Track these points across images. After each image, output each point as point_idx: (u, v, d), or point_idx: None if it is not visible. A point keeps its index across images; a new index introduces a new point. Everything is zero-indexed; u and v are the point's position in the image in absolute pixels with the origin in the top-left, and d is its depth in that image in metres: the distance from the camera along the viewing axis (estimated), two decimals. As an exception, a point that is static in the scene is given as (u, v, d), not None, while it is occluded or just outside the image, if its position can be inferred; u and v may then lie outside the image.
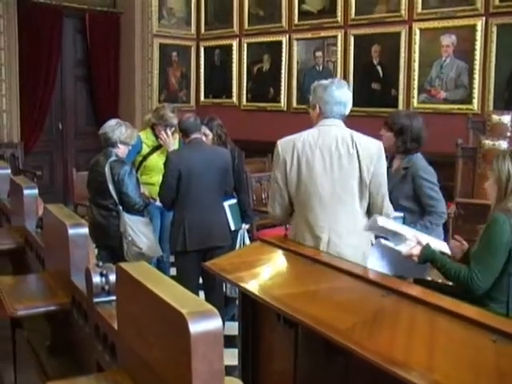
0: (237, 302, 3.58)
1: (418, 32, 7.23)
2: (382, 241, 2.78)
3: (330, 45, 8.09)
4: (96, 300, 1.62)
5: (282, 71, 8.54)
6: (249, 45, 8.97)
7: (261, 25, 8.78)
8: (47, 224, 2.14)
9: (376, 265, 2.73)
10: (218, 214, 4.23)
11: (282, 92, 8.57)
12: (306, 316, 2.33)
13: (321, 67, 8.23)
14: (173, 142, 4.90)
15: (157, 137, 4.90)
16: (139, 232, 4.15)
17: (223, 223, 4.27)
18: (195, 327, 1.04)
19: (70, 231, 1.81)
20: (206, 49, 9.58)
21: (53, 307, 1.86)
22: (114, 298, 1.63)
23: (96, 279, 1.61)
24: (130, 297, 1.36)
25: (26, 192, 2.57)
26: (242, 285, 3.02)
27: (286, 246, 3.22)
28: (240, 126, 8.24)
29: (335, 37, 7.98)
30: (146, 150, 4.89)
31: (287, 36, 8.49)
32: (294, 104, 8.47)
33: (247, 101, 9.09)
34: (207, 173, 4.13)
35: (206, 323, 1.05)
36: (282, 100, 8.57)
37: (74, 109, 9.10)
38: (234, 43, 9.14)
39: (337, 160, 2.90)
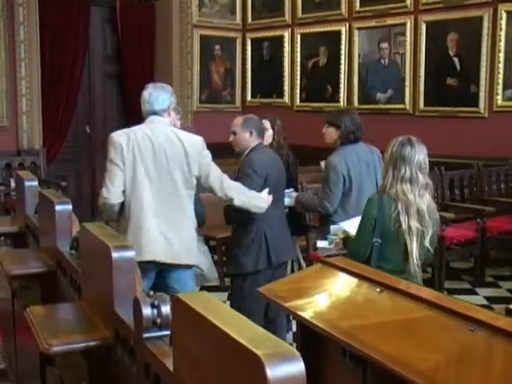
0: None
1: (504, 16, 7.10)
2: (319, 244, 4.03)
3: (397, 34, 8.04)
4: (146, 335, 1.63)
5: (342, 66, 8.54)
6: (303, 36, 9.00)
7: (316, 12, 8.80)
8: (85, 245, 2.16)
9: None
10: (286, 227, 4.54)
11: (342, 90, 8.56)
12: (377, 352, 2.30)
13: (386, 61, 8.19)
14: None
15: None
16: (199, 251, 4.20)
17: (289, 237, 4.62)
18: (274, 372, 1.02)
19: (115, 254, 1.82)
20: (253, 41, 9.67)
21: (93, 342, 1.87)
22: (166, 333, 1.64)
23: (147, 311, 1.62)
24: (190, 333, 1.36)
25: (58, 208, 2.61)
26: (302, 314, 3.01)
27: (351, 268, 3.20)
28: (293, 130, 8.18)
29: (403, 24, 7.92)
30: None
31: (347, 25, 8.48)
32: (356, 103, 8.44)
33: (301, 101, 9.12)
34: (278, 179, 4.39)
35: (286, 367, 1.04)
36: (342, 99, 8.57)
37: (103, 110, 9.26)
38: (286, 34, 9.18)
39: (164, 154, 3.77)
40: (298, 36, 9.05)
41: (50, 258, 2.73)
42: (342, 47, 8.52)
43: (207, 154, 3.90)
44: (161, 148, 3.78)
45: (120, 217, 3.80)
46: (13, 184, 3.77)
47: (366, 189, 4.45)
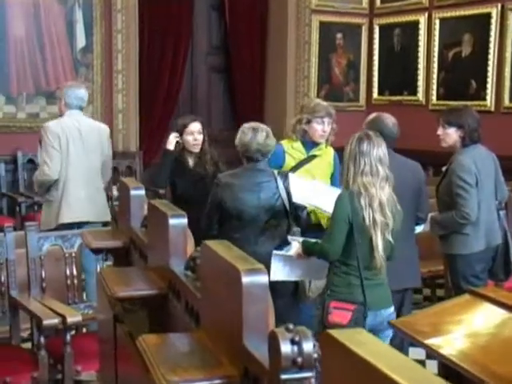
0: None
1: None
2: (275, 251, 4.10)
3: None
4: (284, 377, 1.61)
5: (490, 56, 8.31)
6: (442, 21, 8.84)
7: (461, -9, 8.62)
8: (206, 266, 2.17)
9: (280, 274, 4.07)
10: (410, 248, 4.54)
11: (489, 86, 8.34)
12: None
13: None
14: None
15: (306, 145, 5.05)
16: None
17: (416, 260, 4.66)
18: None
19: (245, 279, 1.80)
20: (381, 28, 9.61)
21: (217, 381, 1.86)
22: (308, 374, 1.61)
23: (286, 348, 1.59)
24: (345, 378, 1.33)
25: (172, 222, 2.63)
26: (446, 354, 2.94)
27: (507, 301, 3.09)
28: (427, 132, 8.03)
29: None
30: (290, 163, 5.01)
31: (499, 6, 8.24)
32: (507, 101, 8.22)
33: (438, 98, 8.97)
34: (399, 192, 4.28)
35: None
36: (489, 97, 8.35)
37: (208, 109, 9.43)
38: (422, 19, 9.06)
39: (88, 138, 5.50)
40: (437, 21, 8.88)
41: (161, 279, 2.76)
42: (492, 34, 8.26)
43: (109, 142, 5.81)
44: (87, 134, 5.48)
45: (50, 191, 5.46)
46: (115, 192, 3.88)
47: (486, 194, 4.70)
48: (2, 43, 7.88)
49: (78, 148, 5.45)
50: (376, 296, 3.75)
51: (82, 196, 5.47)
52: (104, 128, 5.81)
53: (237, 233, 4.33)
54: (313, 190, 4.43)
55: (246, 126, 4.45)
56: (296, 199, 4.34)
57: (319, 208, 4.43)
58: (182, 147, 5.13)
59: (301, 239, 4.13)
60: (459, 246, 4.68)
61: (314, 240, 4.03)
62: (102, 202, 5.66)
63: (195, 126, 5.12)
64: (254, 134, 4.33)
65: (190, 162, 5.14)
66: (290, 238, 4.23)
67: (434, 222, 4.75)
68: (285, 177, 4.41)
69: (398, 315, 4.28)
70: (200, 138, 5.14)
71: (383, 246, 3.69)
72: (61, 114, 5.65)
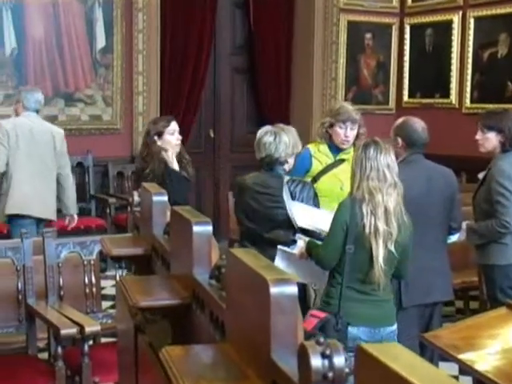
0: None
1: None
2: (280, 247, 4.17)
3: None
4: (315, 392, 1.60)
5: (528, 57, 8.25)
6: (477, 20, 8.80)
7: (497, -11, 8.57)
8: (232, 276, 2.17)
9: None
10: (440, 260, 4.50)
11: (526, 88, 8.28)
12: None
13: None
14: None
15: (333, 149, 5.03)
16: None
17: (447, 272, 4.60)
18: None
19: (273, 290, 1.80)
20: (413, 27, 9.58)
21: (245, 395, 1.87)
22: (339, 390, 1.60)
23: (316, 362, 1.58)
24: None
25: (196, 229, 2.62)
26: (481, 370, 2.93)
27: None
28: (460, 137, 8.05)
29: None
30: (317, 167, 4.99)
31: (537, 3, 8.19)
32: (544, 105, 8.13)
33: (472, 101, 8.92)
34: (429, 201, 4.32)
35: None
36: (526, 99, 8.28)
37: (231, 111, 9.43)
38: (455, 19, 9.02)
39: (39, 138, 6.14)
40: (471, 20, 8.84)
41: (184, 289, 2.76)
42: (530, 33, 8.22)
43: (64, 141, 6.31)
44: (38, 134, 6.10)
45: (2, 186, 6.11)
46: (136, 198, 3.88)
47: None
48: (19, 43, 7.92)
49: (28, 146, 6.06)
50: (374, 312, 3.71)
51: (25, 191, 6.06)
52: (57, 131, 6.36)
53: (244, 240, 4.38)
54: (318, 215, 4.37)
55: (263, 130, 4.46)
56: (301, 224, 4.28)
57: (325, 231, 4.36)
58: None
59: (307, 238, 4.15)
60: (497, 256, 4.64)
61: (319, 242, 4.03)
62: (51, 201, 6.27)
63: (175, 125, 5.10)
64: (271, 138, 4.33)
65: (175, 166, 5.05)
66: (297, 236, 4.23)
67: (471, 230, 4.71)
68: (296, 184, 4.34)
69: (427, 330, 4.26)
70: (180, 137, 5.13)
71: (384, 257, 3.59)
72: (17, 115, 6.25)
